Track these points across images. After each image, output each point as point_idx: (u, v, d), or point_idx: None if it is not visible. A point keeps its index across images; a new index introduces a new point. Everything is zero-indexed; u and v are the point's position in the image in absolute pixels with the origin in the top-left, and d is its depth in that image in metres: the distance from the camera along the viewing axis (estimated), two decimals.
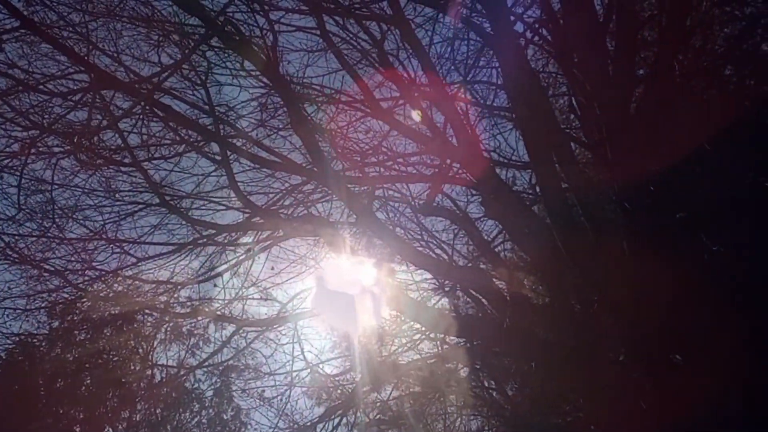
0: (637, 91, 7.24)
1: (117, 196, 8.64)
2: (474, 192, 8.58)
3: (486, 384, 9.92)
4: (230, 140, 7.71)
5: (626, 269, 6.11)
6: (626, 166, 6.19)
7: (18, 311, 9.36)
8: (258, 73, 7.74)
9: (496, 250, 8.85)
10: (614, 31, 7.27)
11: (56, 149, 7.24)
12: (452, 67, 8.41)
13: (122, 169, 8.47)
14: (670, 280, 5.55)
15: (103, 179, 8.36)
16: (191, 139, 8.20)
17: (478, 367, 9.48)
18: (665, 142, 6.21)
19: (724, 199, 5.59)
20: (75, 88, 6.63)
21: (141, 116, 7.46)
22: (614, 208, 6.63)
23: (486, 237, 8.72)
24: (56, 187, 7.74)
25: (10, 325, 9.57)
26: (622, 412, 6.06)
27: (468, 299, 8.47)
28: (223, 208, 8.87)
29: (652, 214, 5.96)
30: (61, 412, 13.16)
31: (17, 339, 11.02)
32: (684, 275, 5.55)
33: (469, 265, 8.71)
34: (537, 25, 7.87)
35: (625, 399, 6.07)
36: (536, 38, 8.08)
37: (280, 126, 8.29)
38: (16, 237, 8.22)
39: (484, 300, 8.06)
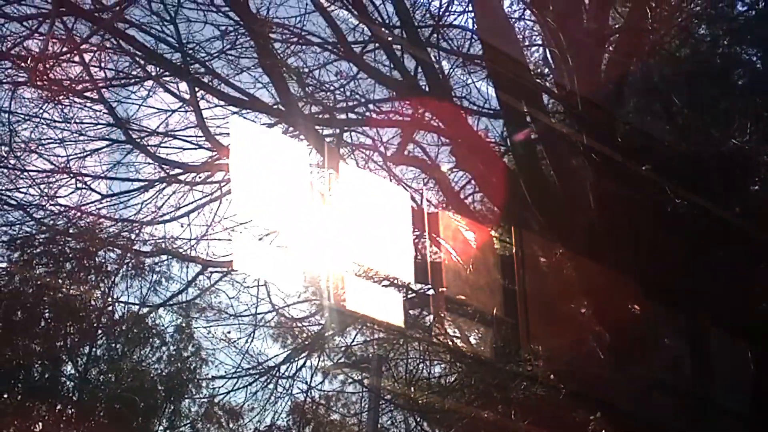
0: (610, 44, 7.23)
1: (81, 130, 8.45)
2: (445, 141, 8.56)
3: (449, 331, 10.06)
4: (198, 77, 7.54)
5: (591, 220, 6.18)
6: (595, 118, 6.21)
7: None
8: (227, 9, 7.54)
9: (466, 200, 8.88)
10: None
11: (16, 78, 7.02)
12: (426, 13, 8.30)
13: (87, 103, 8.27)
14: (633, 231, 5.65)
15: (66, 112, 8.16)
16: (158, 75, 8.00)
17: (442, 315, 9.60)
18: (635, 96, 6.23)
19: (689, 154, 5.67)
20: (35, 13, 6.38)
21: (104, 47, 7.24)
22: (581, 160, 6.67)
23: (455, 187, 8.73)
24: (16, 117, 7.54)
25: None
26: (582, 362, 6.20)
27: (435, 247, 8.51)
28: (191, 146, 8.72)
29: (618, 165, 6.01)
30: (19, 345, 13.10)
31: None
32: (647, 226, 5.65)
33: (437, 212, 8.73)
34: None
35: (584, 348, 6.21)
36: None
37: (250, 65, 8.12)
38: None
39: (450, 248, 8.11)
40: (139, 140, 8.51)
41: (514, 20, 8.12)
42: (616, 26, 7.41)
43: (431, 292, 7.77)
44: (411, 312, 9.41)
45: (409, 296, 8.98)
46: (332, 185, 4.11)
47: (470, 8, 7.78)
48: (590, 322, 6.39)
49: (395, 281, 8.56)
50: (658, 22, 7.06)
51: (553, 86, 7.96)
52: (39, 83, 6.81)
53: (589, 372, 6.12)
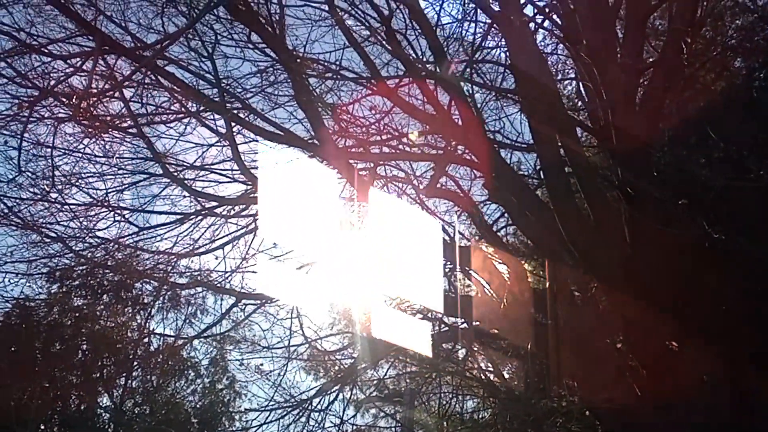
0: (645, 78, 7.21)
1: (119, 164, 8.63)
2: (478, 174, 8.57)
3: (482, 365, 9.97)
4: (234, 112, 7.68)
5: (627, 255, 6.11)
6: (630, 152, 6.17)
7: (18, 275, 9.36)
8: (264, 45, 7.70)
9: (498, 233, 8.85)
10: (624, 17, 7.23)
11: (59, 114, 7.22)
12: (459, 48, 8.37)
13: (126, 138, 8.46)
14: (669, 266, 5.56)
15: (106, 147, 8.35)
16: (195, 110, 8.17)
17: (475, 348, 9.52)
18: (670, 129, 6.19)
19: (726, 187, 5.58)
20: (78, 51, 6.58)
21: (144, 84, 7.42)
22: (617, 194, 6.62)
23: (488, 220, 8.72)
24: (58, 152, 7.73)
25: (11, 289, 9.58)
26: (618, 397, 6.09)
27: (468, 280, 8.48)
28: (226, 180, 8.85)
29: (654, 200, 5.95)
30: (57, 376, 13.26)
31: (16, 302, 11.07)
32: (684, 261, 5.56)
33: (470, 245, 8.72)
34: (547, 9, 7.82)
35: (621, 384, 6.09)
36: (546, 22, 8.04)
37: (285, 100, 8.26)
38: (18, 201, 8.22)
39: (483, 281, 8.07)
40: (176, 174, 8.66)
41: (547, 54, 8.17)
42: (651, 60, 7.39)
43: (463, 325, 7.73)
44: (443, 345, 9.35)
45: (441, 329, 8.94)
46: (364, 217, 4.15)
47: (504, 42, 7.84)
48: (626, 358, 6.28)
49: (427, 314, 8.53)
50: (693, 56, 7.04)
51: (587, 120, 7.95)
52: (81, 119, 7.00)
53: (626, 409, 6.00)
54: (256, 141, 8.15)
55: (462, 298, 8.03)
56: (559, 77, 8.41)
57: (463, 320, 8.55)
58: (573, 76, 8.70)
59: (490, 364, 9.85)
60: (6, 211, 8.21)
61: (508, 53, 7.72)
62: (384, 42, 7.74)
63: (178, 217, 8.96)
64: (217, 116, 8.14)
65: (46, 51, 6.37)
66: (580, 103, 8.51)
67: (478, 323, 8.15)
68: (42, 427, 14.45)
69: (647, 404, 5.86)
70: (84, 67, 6.44)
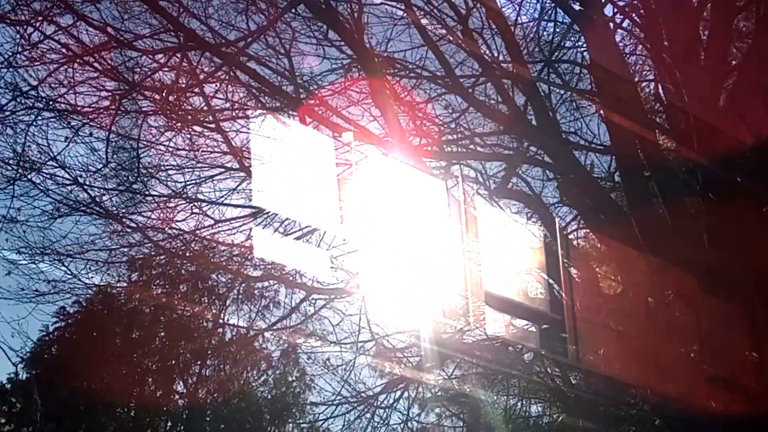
0: (729, 81, 6.97)
1: (198, 158, 8.86)
2: (550, 176, 8.46)
3: (549, 370, 9.83)
4: (310, 108, 7.80)
5: (705, 262, 5.93)
6: (711, 157, 5.99)
7: (99, 263, 9.71)
8: (341, 43, 7.79)
9: (570, 236, 8.71)
10: (708, 18, 7.01)
11: (144, 108, 7.47)
12: (536, 48, 8.27)
13: (205, 132, 8.69)
14: (747, 274, 5.38)
15: (187, 140, 8.58)
16: (272, 106, 8.32)
17: (543, 352, 9.40)
18: (754, 136, 5.97)
19: None
20: (164, 47, 6.80)
21: (226, 80, 7.61)
22: (697, 199, 6.44)
23: (559, 223, 8.59)
24: (142, 144, 7.99)
25: (92, 276, 9.94)
26: (690, 409, 5.91)
27: (538, 283, 8.37)
28: None
29: (735, 205, 5.76)
30: (135, 360, 13.76)
31: (98, 289, 11.51)
32: (763, 270, 5.37)
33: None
34: (627, 9, 7.66)
35: (695, 396, 5.92)
36: (625, 22, 7.88)
37: (360, 98, 8.34)
38: (102, 191, 8.53)
39: (554, 284, 7.96)
40: (251, 168, 8.84)
41: (626, 55, 8.00)
42: (734, 63, 7.15)
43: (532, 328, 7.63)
44: (510, 348, 9.27)
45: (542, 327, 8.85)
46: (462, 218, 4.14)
47: (582, 42, 7.72)
48: (702, 367, 6.09)
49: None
50: None
51: (665, 122, 7.74)
52: (166, 113, 7.23)
53: (699, 420, 5.83)
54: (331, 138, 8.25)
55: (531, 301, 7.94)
56: (637, 78, 8.21)
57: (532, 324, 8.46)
58: (651, 77, 8.48)
59: (557, 369, 9.70)
60: (90, 200, 8.53)
61: (588, 53, 7.60)
62: (460, 41, 7.73)
63: (253, 210, 9.15)
64: (292, 113, 8.29)
65: (134, 46, 6.59)
66: (658, 106, 8.29)
67: (546, 327, 8.04)
68: (119, 411, 15.01)
69: (722, 416, 5.67)
70: (169, 63, 6.66)
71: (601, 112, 7.64)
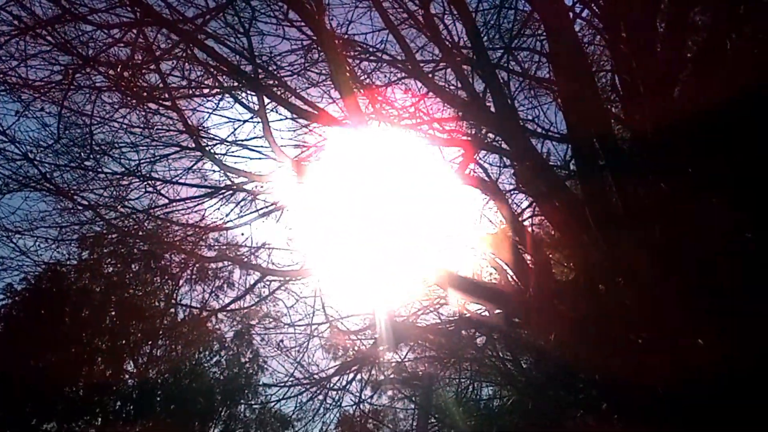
0: (683, 73, 7.10)
1: (153, 136, 8.73)
2: (507, 163, 8.54)
3: (501, 354, 9.98)
4: (269, 89, 7.72)
5: (656, 251, 6.07)
6: (666, 147, 6.11)
7: (50, 240, 9.53)
8: (301, 23, 7.71)
9: (524, 223, 8.82)
10: (665, 9, 7.12)
11: (98, 83, 7.31)
12: (497, 35, 8.31)
13: (160, 110, 8.55)
14: (698, 264, 5.52)
15: (142, 117, 8.45)
16: (230, 86, 8.22)
17: (495, 337, 9.54)
18: (709, 127, 6.11)
19: (765, 186, 5.51)
20: (120, 22, 6.65)
21: (183, 57, 7.49)
22: (651, 189, 6.56)
23: (515, 209, 8.69)
24: (95, 121, 7.83)
25: (41, 253, 9.76)
26: (638, 392, 6.07)
27: (492, 268, 8.48)
28: (257, 156, 8.92)
29: (689, 196, 5.90)
30: (85, 340, 13.55)
31: (47, 266, 11.29)
32: (712, 259, 5.51)
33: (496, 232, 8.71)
34: None
35: (642, 379, 6.07)
36: (585, 12, 7.96)
37: (320, 79, 8.29)
38: (53, 167, 8.35)
39: (508, 270, 8.07)
40: (208, 148, 8.74)
41: (585, 45, 8.08)
42: (690, 56, 7.28)
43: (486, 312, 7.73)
44: (463, 332, 9.38)
45: (462, 316, 8.95)
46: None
47: (542, 31, 7.77)
48: (650, 353, 6.25)
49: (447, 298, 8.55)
50: (734, 53, 6.91)
51: (622, 113, 7.87)
52: (120, 89, 7.09)
53: (647, 402, 5.99)
54: (289, 119, 8.21)
55: (486, 287, 8.04)
56: (594, 68, 8.31)
57: (485, 309, 8.57)
58: (609, 68, 8.60)
59: (509, 354, 9.86)
60: (41, 176, 8.35)
61: (547, 41, 7.66)
62: (421, 25, 7.72)
63: (209, 190, 9.06)
64: (250, 93, 8.20)
65: (88, 20, 6.43)
66: (614, 96, 8.42)
67: (499, 312, 8.16)
68: (68, 390, 14.78)
69: (668, 399, 5.84)
70: (125, 39, 6.52)
71: (559, 100, 7.73)
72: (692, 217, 5.86)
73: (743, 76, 6.39)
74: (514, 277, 8.09)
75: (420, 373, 12.08)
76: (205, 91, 8.47)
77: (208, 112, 8.54)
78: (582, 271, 7.01)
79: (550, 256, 8.09)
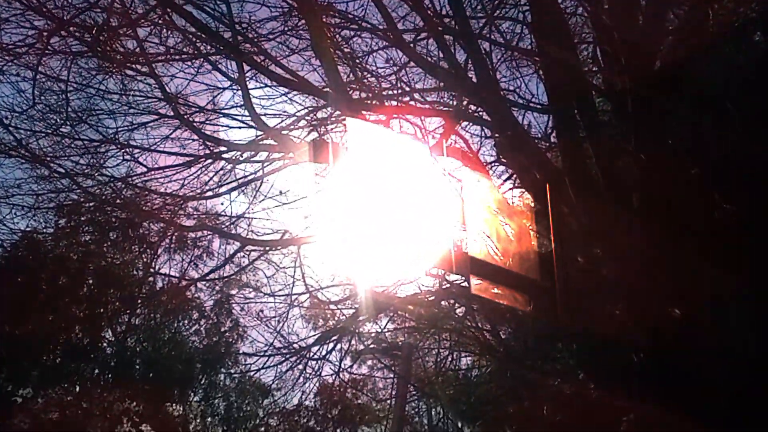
0: (664, 45, 7.10)
1: (131, 103, 8.62)
2: (488, 134, 8.52)
3: (480, 325, 10.07)
4: (248, 56, 7.62)
5: (635, 224, 6.11)
6: (646, 119, 6.13)
7: (25, 208, 9.43)
8: None
9: (505, 194, 8.82)
10: None
11: (74, 48, 7.18)
12: (479, 4, 8.24)
13: (138, 77, 8.43)
14: (677, 236, 5.56)
15: (119, 84, 8.33)
16: (208, 52, 8.11)
17: (474, 307, 9.59)
18: (689, 98, 6.13)
19: (741, 160, 5.55)
20: None
21: (160, 23, 7.35)
22: (629, 161, 6.59)
23: (496, 180, 8.69)
24: (71, 87, 7.70)
25: (17, 221, 9.66)
26: (615, 363, 6.15)
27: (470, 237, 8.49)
28: (236, 125, 8.84)
29: (667, 170, 5.92)
30: (61, 308, 13.47)
31: (23, 235, 11.18)
32: (692, 231, 5.56)
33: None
34: None
35: (620, 349, 6.15)
36: None
37: (300, 47, 8.19)
38: (29, 134, 8.24)
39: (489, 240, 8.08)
40: (186, 116, 8.65)
41: (567, 15, 8.04)
42: (671, 28, 7.27)
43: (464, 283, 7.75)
44: (443, 303, 9.42)
45: (442, 287, 8.98)
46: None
47: (524, 1, 7.72)
48: (626, 324, 6.32)
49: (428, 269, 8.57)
50: (715, 26, 6.91)
51: (603, 85, 7.86)
52: (96, 54, 6.96)
53: (622, 372, 6.07)
54: (269, 87, 8.12)
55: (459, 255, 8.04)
56: (576, 40, 8.28)
57: (464, 280, 8.60)
58: (590, 39, 8.58)
59: (487, 324, 9.93)
60: (16, 143, 8.23)
61: (529, 12, 7.61)
62: None
63: (187, 159, 8.98)
64: (230, 59, 8.09)
65: None
66: (596, 68, 8.40)
67: (479, 282, 8.18)
68: (45, 358, 14.73)
69: (647, 373, 5.92)
70: (100, 2, 6.39)
71: (540, 71, 7.70)
72: (671, 187, 5.89)
73: (725, 47, 6.40)
74: (495, 247, 8.10)
75: (400, 343, 12.17)
76: (184, 56, 8.35)
77: (186, 80, 8.43)
78: (560, 244, 7.04)
79: (530, 228, 8.12)
